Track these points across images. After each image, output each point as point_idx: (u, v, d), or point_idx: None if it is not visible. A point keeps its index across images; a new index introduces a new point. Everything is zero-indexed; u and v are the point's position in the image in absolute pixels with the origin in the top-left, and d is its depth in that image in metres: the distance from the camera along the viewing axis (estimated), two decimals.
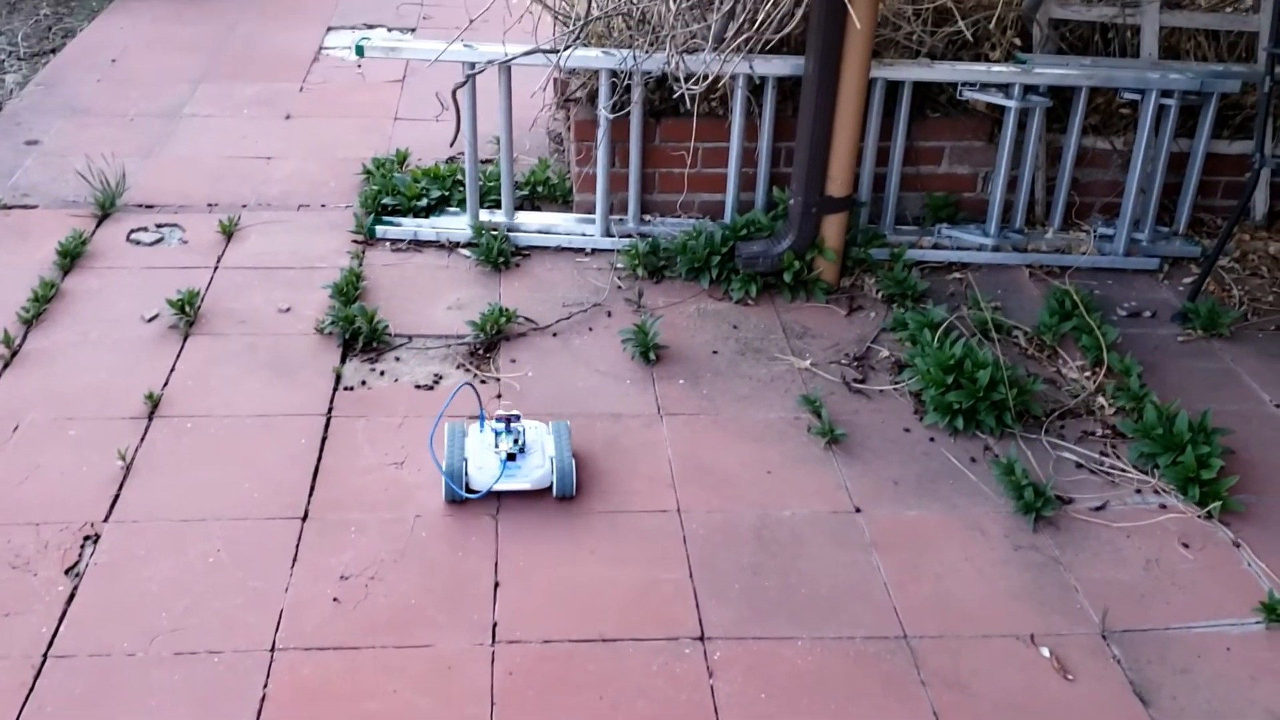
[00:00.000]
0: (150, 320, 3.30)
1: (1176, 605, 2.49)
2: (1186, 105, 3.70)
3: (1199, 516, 2.73)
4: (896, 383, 3.19)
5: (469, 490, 2.65)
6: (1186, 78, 3.62)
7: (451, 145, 3.63)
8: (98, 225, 3.80)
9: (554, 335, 3.34)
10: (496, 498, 2.68)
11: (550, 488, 2.69)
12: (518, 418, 2.75)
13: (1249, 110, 3.85)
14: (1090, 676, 2.30)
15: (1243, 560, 2.62)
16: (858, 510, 2.72)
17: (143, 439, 2.83)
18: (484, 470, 2.67)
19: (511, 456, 2.68)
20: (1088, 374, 3.24)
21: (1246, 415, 3.11)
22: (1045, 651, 2.35)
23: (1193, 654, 2.37)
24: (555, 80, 3.76)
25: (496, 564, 2.50)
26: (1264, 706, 2.25)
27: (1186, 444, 2.83)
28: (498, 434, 2.71)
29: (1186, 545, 2.66)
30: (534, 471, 2.68)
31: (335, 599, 2.39)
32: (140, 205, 3.96)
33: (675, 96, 3.51)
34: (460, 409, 2.89)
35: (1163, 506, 2.77)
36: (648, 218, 3.86)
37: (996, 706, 2.23)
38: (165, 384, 3.03)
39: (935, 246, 3.83)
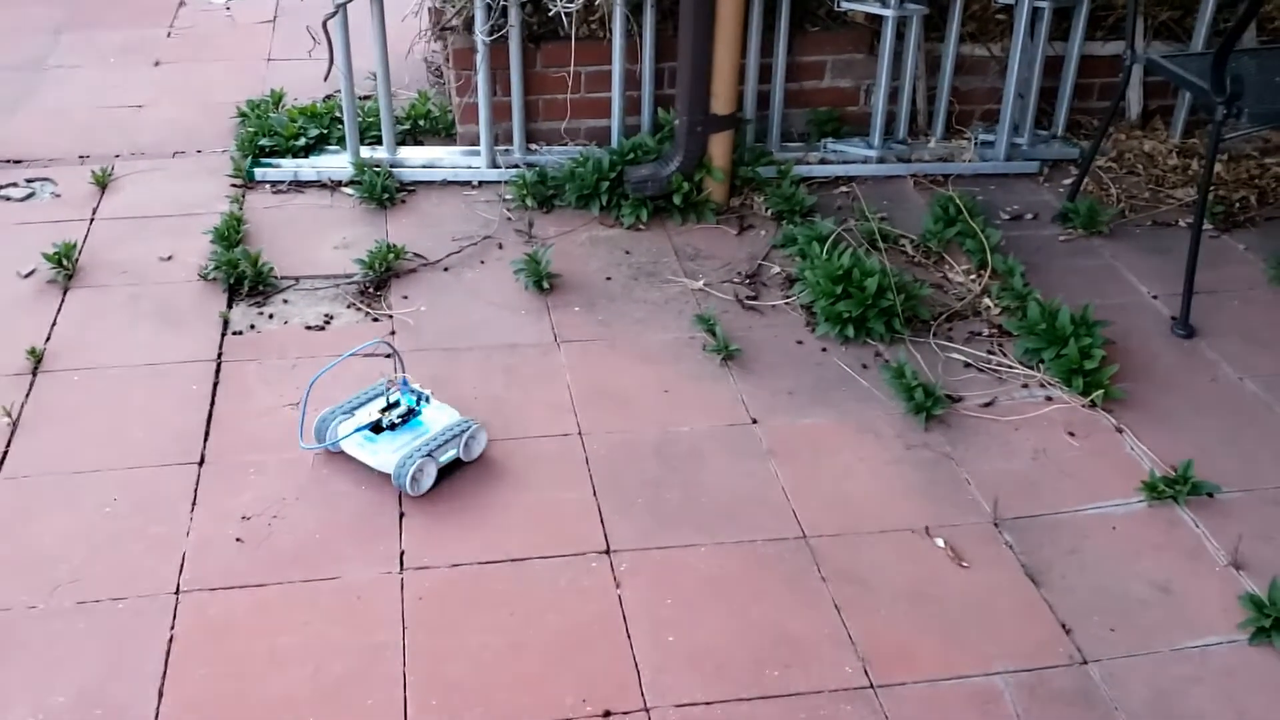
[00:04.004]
0: (27, 276, 3.20)
1: (1064, 491, 2.59)
2: (1060, 8, 3.76)
3: (1083, 406, 2.83)
4: (788, 297, 3.23)
5: (318, 440, 2.56)
6: None
7: (325, 79, 3.56)
8: None
9: (445, 270, 3.31)
10: None
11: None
12: (427, 398, 2.61)
13: (1121, 10, 3.94)
14: (984, 563, 2.39)
15: (1125, 445, 2.72)
16: (754, 421, 2.76)
17: (28, 395, 2.75)
18: (348, 427, 2.55)
19: (377, 428, 2.52)
20: (973, 277, 3.31)
21: (1126, 307, 3.22)
22: (940, 542, 2.43)
23: (1080, 535, 2.46)
24: (430, 9, 3.69)
25: (400, 496, 2.49)
26: (1146, 578, 2.36)
27: (1069, 337, 2.92)
28: (392, 404, 2.57)
29: (1072, 434, 2.75)
30: (384, 453, 2.49)
31: (238, 539, 2.37)
32: (7, 160, 3.81)
33: (551, 15, 3.47)
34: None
35: (1049, 399, 2.86)
36: (534, 146, 3.83)
37: (895, 596, 2.30)
38: (48, 339, 2.95)
39: (822, 161, 3.87)
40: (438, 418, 2.61)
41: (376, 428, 2.54)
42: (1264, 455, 2.70)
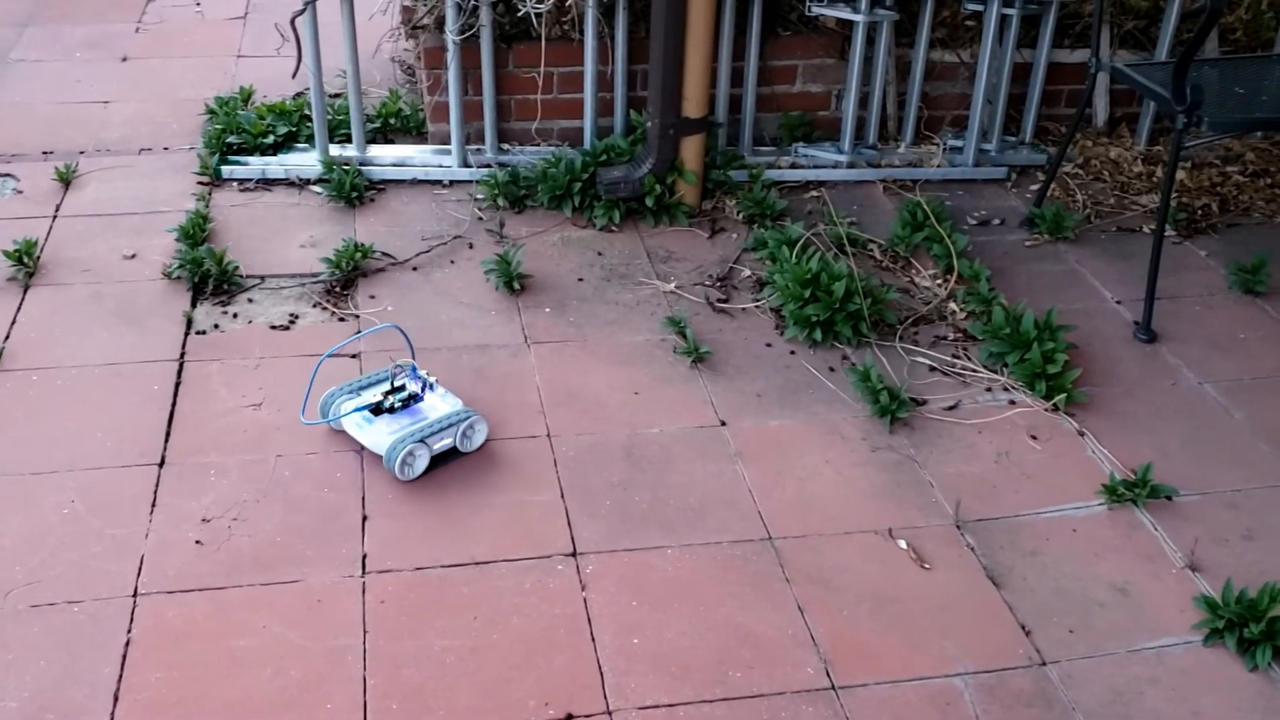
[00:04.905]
0: None
1: (1025, 493, 2.60)
2: (1028, 15, 3.79)
3: (1046, 409, 2.85)
4: (758, 300, 3.24)
5: (322, 416, 2.63)
6: None
7: (294, 76, 3.53)
8: None
9: (414, 269, 3.30)
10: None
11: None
12: (432, 385, 2.64)
13: (1087, 18, 3.97)
14: (946, 564, 2.40)
15: (1086, 448, 2.74)
16: (723, 423, 2.77)
17: None
18: (350, 407, 2.61)
19: (378, 410, 2.58)
20: (939, 281, 3.33)
21: (1089, 312, 3.24)
22: (903, 544, 2.44)
23: (1041, 537, 2.48)
24: (402, 8, 3.68)
25: (364, 498, 2.48)
26: (1106, 580, 2.38)
27: (1033, 342, 2.94)
28: (396, 388, 2.61)
29: (1034, 437, 2.77)
30: (380, 434, 2.53)
31: (198, 541, 2.35)
32: None
33: (520, 16, 3.46)
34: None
35: (1012, 402, 2.88)
36: (506, 146, 3.82)
37: (859, 597, 2.31)
38: (6, 337, 2.92)
39: (793, 166, 3.88)
40: (440, 406, 2.63)
41: (377, 409, 2.57)
42: (1221, 459, 2.72)
